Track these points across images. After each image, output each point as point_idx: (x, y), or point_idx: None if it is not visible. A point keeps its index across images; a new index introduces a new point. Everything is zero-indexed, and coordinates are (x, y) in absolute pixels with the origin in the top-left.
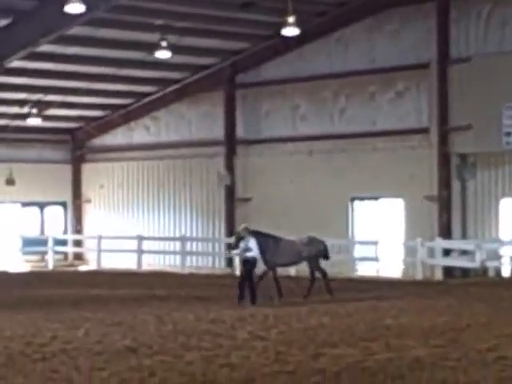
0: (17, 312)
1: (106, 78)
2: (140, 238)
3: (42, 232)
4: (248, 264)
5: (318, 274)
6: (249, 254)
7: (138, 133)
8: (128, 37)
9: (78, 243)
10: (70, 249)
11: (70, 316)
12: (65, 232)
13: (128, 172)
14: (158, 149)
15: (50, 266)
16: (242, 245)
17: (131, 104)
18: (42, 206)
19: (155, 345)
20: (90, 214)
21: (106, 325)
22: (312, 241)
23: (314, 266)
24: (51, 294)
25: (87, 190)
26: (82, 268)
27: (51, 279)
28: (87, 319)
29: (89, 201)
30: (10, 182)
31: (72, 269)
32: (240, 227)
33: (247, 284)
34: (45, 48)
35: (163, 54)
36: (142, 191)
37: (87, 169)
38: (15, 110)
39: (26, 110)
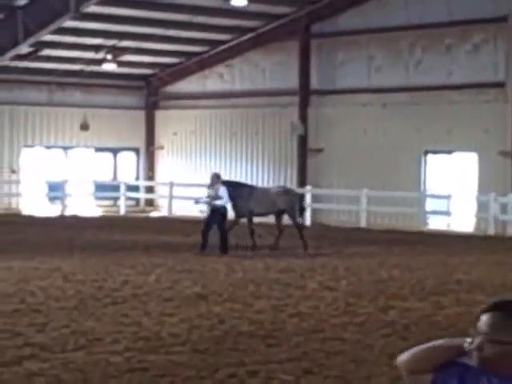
0: (88, 256)
1: (180, 25)
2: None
3: (115, 177)
4: (217, 212)
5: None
6: (218, 202)
7: (211, 81)
8: None
9: (149, 189)
10: (142, 195)
11: (141, 262)
12: (137, 178)
13: (201, 120)
14: (232, 97)
15: (122, 212)
16: (211, 192)
17: (206, 52)
18: (115, 151)
19: (225, 292)
20: (163, 160)
21: (177, 271)
22: (288, 192)
23: (291, 218)
24: (122, 239)
25: (160, 137)
26: (154, 214)
27: (123, 225)
28: (158, 265)
29: (161, 147)
30: (84, 126)
31: (143, 215)
32: (211, 175)
33: (219, 233)
34: None
35: (239, 2)
36: (215, 139)
37: (160, 115)
38: (90, 55)
39: (101, 55)
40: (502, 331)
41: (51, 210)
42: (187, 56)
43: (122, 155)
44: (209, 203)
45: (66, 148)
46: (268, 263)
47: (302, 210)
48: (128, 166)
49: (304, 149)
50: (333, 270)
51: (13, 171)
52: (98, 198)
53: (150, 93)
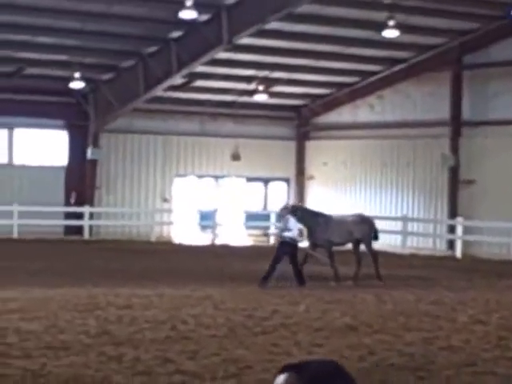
0: (238, 285)
1: (332, 56)
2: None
3: (265, 207)
4: (286, 245)
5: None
6: (287, 234)
7: (362, 111)
8: (355, 15)
9: None
10: None
11: (290, 291)
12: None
13: (351, 150)
14: (382, 128)
15: (272, 242)
16: (280, 224)
17: (357, 82)
18: (266, 181)
19: (375, 324)
20: (313, 190)
21: (326, 301)
22: (364, 220)
23: (366, 247)
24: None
25: (310, 167)
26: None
27: (272, 254)
28: (307, 295)
29: (312, 177)
30: (236, 157)
31: None
32: (280, 207)
33: (292, 266)
34: (273, 25)
35: (391, 33)
36: (365, 170)
37: (311, 146)
38: (242, 86)
39: (253, 86)
40: None
41: (202, 239)
42: (338, 87)
43: (272, 185)
44: (278, 235)
45: (217, 177)
46: (418, 295)
47: (376, 237)
48: (279, 196)
49: (455, 180)
50: (484, 304)
51: (165, 200)
52: (248, 228)
53: (301, 123)
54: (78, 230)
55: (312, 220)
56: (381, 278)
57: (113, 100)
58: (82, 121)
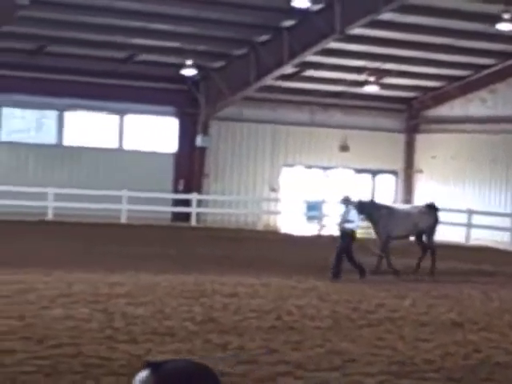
0: (344, 277)
1: (444, 49)
2: (470, 212)
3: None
4: (346, 236)
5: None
6: (347, 226)
7: (474, 105)
8: (469, 8)
9: None
10: None
11: (395, 285)
12: (394, 201)
13: (461, 144)
14: (494, 122)
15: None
16: (341, 216)
17: (469, 76)
18: (374, 173)
19: (481, 321)
20: (420, 184)
21: (432, 296)
22: (431, 209)
23: (430, 238)
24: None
25: (419, 160)
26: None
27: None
28: (413, 289)
29: (420, 171)
30: (345, 148)
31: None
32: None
33: (347, 259)
34: (386, 16)
35: (505, 26)
36: (475, 164)
37: (420, 139)
38: (353, 76)
39: (363, 77)
40: None
41: (309, 229)
42: (450, 80)
43: (380, 177)
44: (339, 227)
45: (325, 168)
46: None
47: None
48: (386, 189)
49: None
50: None
51: (273, 189)
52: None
53: (411, 116)
54: (186, 216)
55: (376, 212)
56: (433, 273)
57: (223, 88)
58: (193, 108)
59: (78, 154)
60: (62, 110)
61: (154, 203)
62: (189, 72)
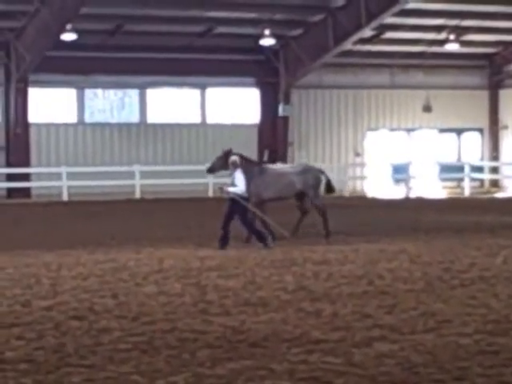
0: (433, 238)
1: None
2: None
3: (459, 158)
4: (234, 202)
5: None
6: (232, 190)
7: None
8: None
9: (494, 170)
10: (487, 175)
11: (487, 243)
12: (481, 158)
13: None
14: None
15: (467, 193)
16: (229, 181)
17: None
18: (458, 132)
19: None
20: (507, 140)
21: None
22: (307, 170)
23: (312, 200)
24: (467, 220)
25: (504, 116)
26: (498, 195)
27: (467, 206)
28: (504, 247)
29: (505, 127)
30: (428, 108)
31: (488, 196)
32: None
33: (245, 225)
34: None
35: None
36: None
37: (505, 94)
38: (432, 35)
39: (443, 35)
40: None
41: (396, 192)
42: None
43: (465, 136)
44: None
45: (409, 130)
46: None
47: (331, 190)
48: (472, 147)
49: None
50: None
51: (357, 154)
52: (442, 180)
53: (494, 72)
54: None
55: (247, 171)
56: (328, 234)
57: (302, 56)
58: (273, 78)
59: (161, 130)
60: (143, 87)
61: None
62: (267, 42)
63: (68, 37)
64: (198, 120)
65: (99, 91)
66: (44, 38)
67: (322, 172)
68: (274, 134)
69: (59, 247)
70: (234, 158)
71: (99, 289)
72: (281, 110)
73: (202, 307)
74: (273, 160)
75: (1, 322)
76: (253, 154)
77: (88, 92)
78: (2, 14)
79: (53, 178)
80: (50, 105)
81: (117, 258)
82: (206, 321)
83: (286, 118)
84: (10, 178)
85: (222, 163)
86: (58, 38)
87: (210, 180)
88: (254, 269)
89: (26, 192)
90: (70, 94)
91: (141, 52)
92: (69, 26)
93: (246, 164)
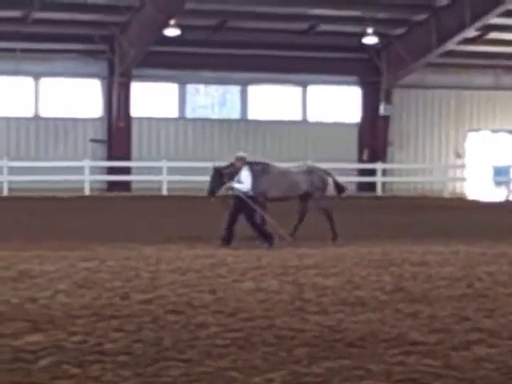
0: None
1: None
2: None
3: None
4: (238, 200)
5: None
6: (238, 186)
7: None
8: None
9: None
10: None
11: None
12: None
13: None
14: None
15: None
16: (236, 178)
17: None
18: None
19: None
20: None
21: None
22: (313, 170)
23: (317, 202)
24: None
25: None
26: None
27: None
28: None
29: None
30: None
31: None
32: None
33: (251, 224)
34: None
35: None
36: None
37: None
38: None
39: None
40: None
41: (496, 195)
42: None
43: None
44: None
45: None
46: None
47: (341, 190)
48: None
49: None
50: None
51: (458, 156)
52: (496, 183)
53: None
54: (371, 186)
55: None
56: (336, 237)
57: (405, 55)
58: (374, 77)
59: (262, 127)
60: (244, 84)
61: (338, 174)
62: (370, 40)
63: (171, 32)
64: (298, 118)
65: (201, 87)
66: (148, 33)
67: (328, 173)
68: (374, 134)
69: (159, 241)
70: (241, 154)
71: (197, 284)
72: (382, 110)
73: (300, 305)
74: (373, 159)
75: (101, 314)
76: (352, 153)
77: (190, 87)
78: (108, 8)
79: (153, 172)
80: (151, 99)
81: (215, 253)
82: (303, 319)
83: (386, 118)
84: (111, 171)
85: (219, 181)
86: (162, 33)
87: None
88: (352, 268)
89: (126, 185)
90: (172, 88)
91: (243, 49)
92: (173, 22)
93: (250, 163)
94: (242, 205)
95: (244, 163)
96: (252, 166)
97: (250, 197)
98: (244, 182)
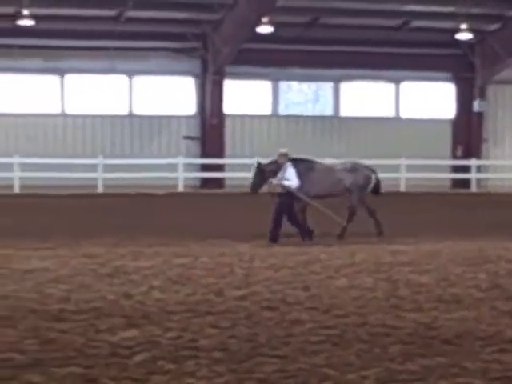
0: None
1: None
2: None
3: None
4: (283, 196)
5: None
6: (287, 183)
7: None
8: None
9: None
10: None
11: None
12: None
13: None
14: None
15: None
16: (279, 175)
17: None
18: None
19: None
20: None
21: None
22: (358, 168)
23: (351, 198)
24: None
25: None
26: None
27: None
28: None
29: None
30: None
31: None
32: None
33: (291, 221)
34: None
35: None
36: None
37: None
38: None
39: None
40: None
41: None
42: None
43: None
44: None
45: None
46: None
47: (378, 192)
48: None
49: None
50: None
51: None
52: None
53: None
54: (465, 183)
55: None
56: (343, 236)
57: (500, 51)
58: (468, 73)
59: (354, 124)
60: (337, 80)
61: (432, 170)
62: (464, 36)
63: (264, 29)
64: (391, 114)
65: (294, 84)
66: (241, 31)
67: (374, 171)
68: (468, 130)
69: (251, 238)
70: (284, 150)
71: (291, 280)
72: (476, 106)
73: (394, 302)
74: (467, 156)
75: (195, 310)
76: (445, 150)
77: (282, 84)
78: (201, 6)
79: (246, 169)
80: (244, 96)
81: (309, 250)
82: (397, 316)
83: (480, 114)
84: (205, 168)
85: (261, 177)
86: (255, 30)
87: (402, 174)
88: (447, 265)
89: (219, 182)
90: (265, 86)
91: (336, 45)
92: (265, 19)
93: (294, 159)
94: (285, 202)
95: (287, 159)
96: (296, 162)
97: (291, 193)
98: (291, 178)
